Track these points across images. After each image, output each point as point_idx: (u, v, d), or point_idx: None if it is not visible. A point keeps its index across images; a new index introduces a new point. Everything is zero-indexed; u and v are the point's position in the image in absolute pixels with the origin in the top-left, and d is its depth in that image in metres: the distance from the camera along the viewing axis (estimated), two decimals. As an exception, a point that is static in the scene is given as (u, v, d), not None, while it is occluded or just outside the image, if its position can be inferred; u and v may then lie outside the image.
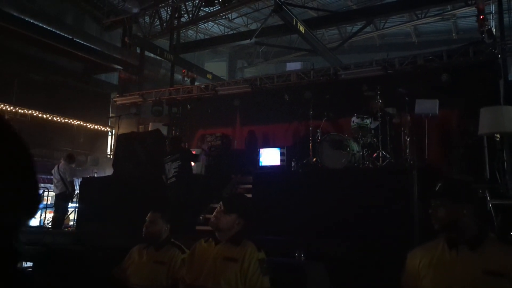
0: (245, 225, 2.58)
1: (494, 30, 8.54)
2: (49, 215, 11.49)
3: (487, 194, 4.77)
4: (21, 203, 0.63)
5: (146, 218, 3.18)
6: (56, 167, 8.65)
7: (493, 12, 10.82)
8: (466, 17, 15.29)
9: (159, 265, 2.98)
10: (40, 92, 12.87)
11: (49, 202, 10.64)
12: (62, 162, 8.68)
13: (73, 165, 8.83)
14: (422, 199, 4.62)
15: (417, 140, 6.65)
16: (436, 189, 2.07)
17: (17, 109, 12.27)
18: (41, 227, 8.35)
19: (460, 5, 12.74)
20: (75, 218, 8.98)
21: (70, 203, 9.09)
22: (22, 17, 11.36)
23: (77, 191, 9.32)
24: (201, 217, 6.65)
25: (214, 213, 2.57)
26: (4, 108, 11.96)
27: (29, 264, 5.37)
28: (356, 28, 16.05)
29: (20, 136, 0.66)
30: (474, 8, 10.46)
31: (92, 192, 7.61)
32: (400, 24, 16.24)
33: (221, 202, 2.58)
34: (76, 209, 8.86)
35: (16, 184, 0.62)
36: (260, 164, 7.88)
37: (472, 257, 1.95)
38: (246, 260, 2.39)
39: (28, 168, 0.65)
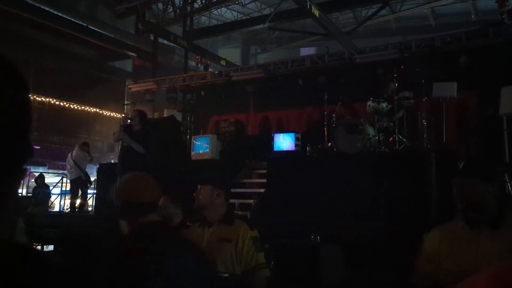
0: (227, 198, 2.63)
1: (515, 10, 8.27)
2: (68, 201, 11.73)
3: (507, 177, 4.68)
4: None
5: (159, 203, 3.24)
6: (70, 154, 8.82)
7: (514, -8, 10.47)
8: (485, -2, 14.87)
9: None
10: (56, 79, 13.03)
11: (68, 188, 10.86)
12: (76, 148, 8.85)
13: (87, 153, 8.96)
14: (440, 182, 4.57)
15: (434, 124, 6.55)
16: (461, 167, 2.03)
17: (34, 96, 12.46)
18: (60, 212, 8.54)
19: (480, -14, 12.38)
20: (93, 203, 9.15)
21: (88, 189, 9.28)
22: (37, 5, 11.46)
23: (93, 178, 9.48)
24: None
25: (195, 196, 2.63)
26: (21, 96, 12.15)
27: (50, 246, 5.51)
28: (371, 11, 15.76)
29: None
30: (494, -12, 10.14)
31: (109, 178, 7.71)
32: (417, 7, 15.87)
33: (198, 185, 2.63)
34: (94, 195, 9.03)
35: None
36: (274, 149, 7.87)
37: (495, 236, 1.93)
38: (240, 239, 2.46)
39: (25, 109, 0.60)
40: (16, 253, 0.56)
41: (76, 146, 9.00)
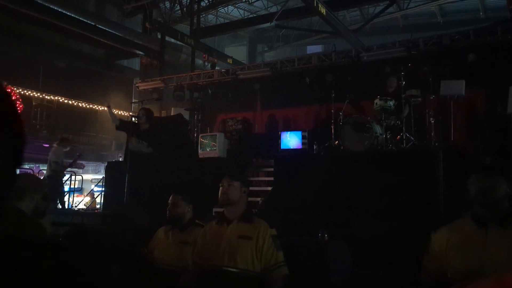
0: (248, 196, 2.71)
1: (525, 7, 8.20)
2: (77, 199, 11.85)
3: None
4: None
5: (169, 201, 3.28)
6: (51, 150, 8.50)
7: (524, -12, 10.35)
8: (494, -5, 14.73)
9: (184, 245, 3.05)
10: (65, 78, 13.14)
11: (76, 186, 10.96)
12: (55, 145, 8.50)
13: (66, 149, 8.57)
14: (447, 180, 4.56)
15: (442, 122, 6.52)
16: (488, 163, 2.06)
17: (43, 95, 12.59)
18: (69, 209, 8.61)
19: (489, -18, 12.26)
20: (102, 201, 9.21)
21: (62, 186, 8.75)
22: (46, 4, 11.56)
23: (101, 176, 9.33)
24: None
25: (221, 191, 2.65)
26: (31, 94, 12.28)
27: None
28: (378, 8, 15.68)
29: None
30: (503, -15, 10.05)
31: (117, 176, 7.78)
32: (424, 4, 15.75)
33: (223, 180, 2.65)
34: (102, 192, 9.09)
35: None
36: (281, 148, 7.88)
37: (503, 234, 1.94)
38: (260, 237, 2.48)
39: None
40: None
41: (55, 143, 8.60)
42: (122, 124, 6.64)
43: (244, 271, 2.42)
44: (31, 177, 3.34)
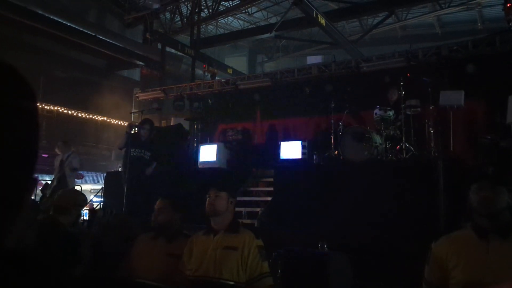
0: (235, 207, 2.71)
1: (522, 18, 8.25)
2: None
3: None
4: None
5: (155, 206, 2.95)
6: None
7: (521, 0, 10.44)
8: (492, 6, 14.83)
9: (172, 258, 2.76)
10: (65, 88, 13.18)
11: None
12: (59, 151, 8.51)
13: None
14: (447, 190, 4.55)
15: (441, 132, 6.53)
16: (490, 173, 2.07)
17: (43, 105, 12.62)
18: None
19: (486, -6, 12.37)
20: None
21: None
22: (47, 15, 11.63)
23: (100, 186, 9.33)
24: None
25: (208, 202, 2.64)
26: (31, 104, 12.31)
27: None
28: (377, 19, 15.80)
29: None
30: (501, -4, 10.14)
31: (116, 186, 7.75)
32: (422, 15, 15.88)
33: (210, 190, 2.65)
34: (101, 203, 9.05)
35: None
36: (280, 158, 7.87)
37: (504, 245, 1.93)
38: (246, 247, 2.49)
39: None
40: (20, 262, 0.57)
41: None
42: (124, 143, 6.59)
43: (230, 282, 2.41)
44: (74, 192, 3.40)
